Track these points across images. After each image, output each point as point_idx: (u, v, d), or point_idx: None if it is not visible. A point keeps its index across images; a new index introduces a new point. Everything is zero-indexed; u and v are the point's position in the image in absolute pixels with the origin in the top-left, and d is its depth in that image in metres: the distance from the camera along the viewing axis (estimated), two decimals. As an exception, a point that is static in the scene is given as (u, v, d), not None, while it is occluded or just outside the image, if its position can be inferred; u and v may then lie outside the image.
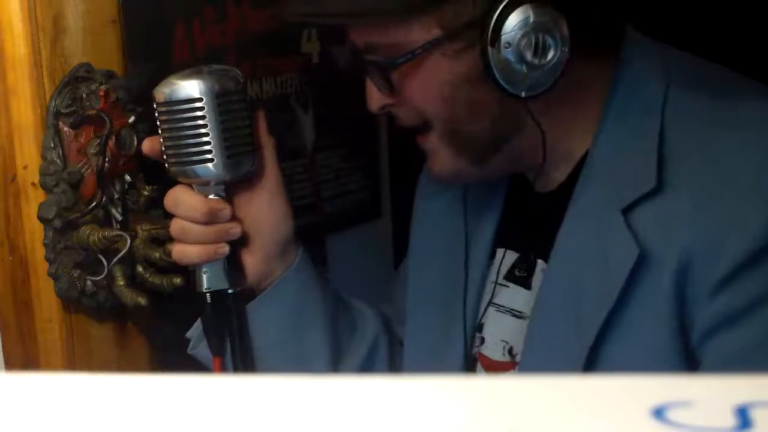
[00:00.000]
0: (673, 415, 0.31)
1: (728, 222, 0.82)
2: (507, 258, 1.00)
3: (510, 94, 0.86)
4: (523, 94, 0.86)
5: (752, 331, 0.82)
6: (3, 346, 1.14)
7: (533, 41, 0.83)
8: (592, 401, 0.33)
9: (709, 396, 0.33)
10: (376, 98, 0.94)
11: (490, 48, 0.84)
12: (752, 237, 0.81)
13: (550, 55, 0.84)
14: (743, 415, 0.31)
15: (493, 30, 0.84)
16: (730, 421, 0.31)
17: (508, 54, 0.84)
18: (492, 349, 1.00)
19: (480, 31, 0.85)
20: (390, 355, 1.11)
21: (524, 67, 0.84)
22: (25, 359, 1.13)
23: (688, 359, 0.84)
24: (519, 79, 0.85)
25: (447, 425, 0.32)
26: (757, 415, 0.31)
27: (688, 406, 0.32)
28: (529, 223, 1.00)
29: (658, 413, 0.31)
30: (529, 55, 0.83)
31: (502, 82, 0.85)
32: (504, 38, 0.84)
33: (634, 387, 0.34)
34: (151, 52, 1.21)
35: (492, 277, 1.01)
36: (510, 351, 0.98)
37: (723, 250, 0.81)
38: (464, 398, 0.34)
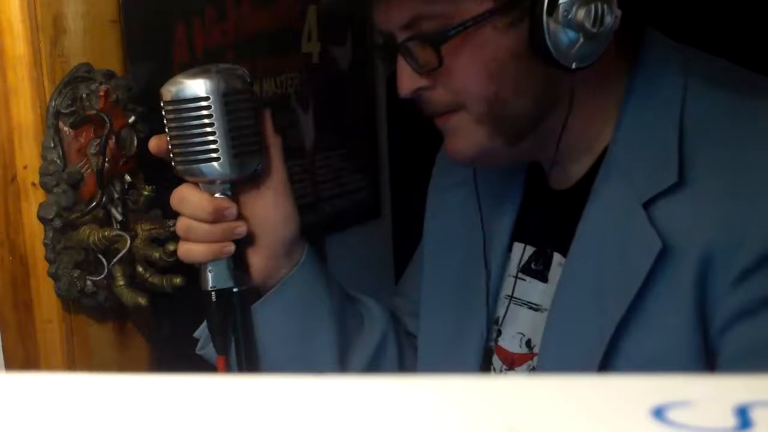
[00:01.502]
0: (673, 415, 0.31)
1: (749, 215, 0.82)
2: (524, 252, 1.01)
3: (560, 66, 0.86)
4: (573, 66, 0.86)
5: None
6: (3, 346, 1.14)
7: (593, 9, 0.84)
8: (592, 401, 0.33)
9: (709, 396, 0.33)
10: (408, 82, 0.92)
11: (546, 17, 0.84)
12: None
13: (607, 21, 0.84)
14: (743, 415, 0.31)
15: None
16: (730, 421, 0.31)
17: (566, 23, 0.84)
18: (509, 342, 1.00)
19: (533, 1, 0.84)
20: (399, 350, 1.11)
21: (581, 36, 0.84)
22: (25, 359, 1.13)
23: (708, 353, 0.85)
24: (571, 51, 0.85)
25: (447, 425, 0.32)
26: (757, 415, 0.31)
27: (688, 406, 0.32)
28: (546, 217, 1.00)
29: (658, 413, 0.31)
30: (588, 23, 0.84)
31: (554, 53, 0.85)
32: (563, 6, 0.84)
33: (634, 387, 0.34)
34: (151, 52, 1.21)
35: (509, 270, 1.02)
36: (528, 343, 0.99)
37: (744, 243, 0.82)
38: (464, 398, 0.34)
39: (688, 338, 0.84)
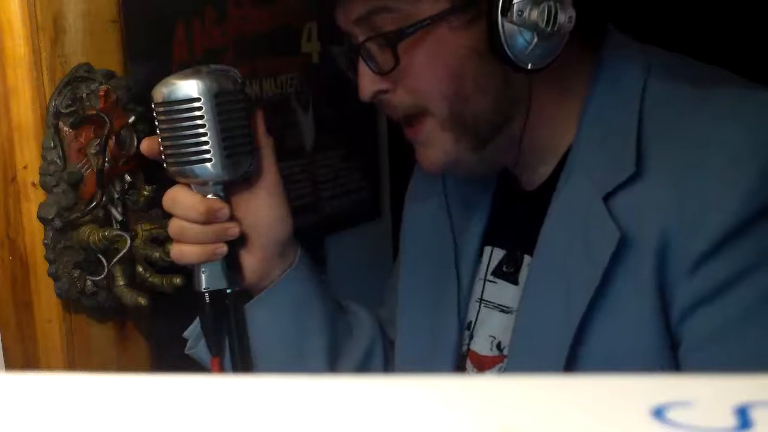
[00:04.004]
0: (673, 415, 0.31)
1: (705, 200, 0.83)
2: (495, 255, 1.01)
3: (516, 67, 0.86)
4: (529, 66, 0.86)
5: (728, 309, 0.83)
6: (3, 346, 1.14)
7: (546, 9, 0.84)
8: (591, 401, 0.33)
9: (709, 396, 0.33)
10: (369, 84, 0.92)
11: (501, 17, 0.84)
12: (728, 214, 0.82)
13: (560, 21, 0.85)
14: (743, 415, 0.31)
15: None
16: (730, 421, 0.31)
17: (520, 23, 0.84)
18: (481, 345, 1.01)
19: (488, 1, 0.84)
20: (385, 360, 1.11)
21: (535, 36, 0.84)
22: (25, 359, 1.13)
23: (672, 340, 0.85)
24: (526, 51, 0.85)
25: (443, 425, 0.32)
26: (757, 415, 0.31)
27: (688, 406, 0.32)
28: (515, 219, 1.01)
29: (658, 413, 0.31)
30: (542, 23, 0.84)
31: (509, 54, 0.85)
32: (517, 6, 0.84)
33: (634, 387, 0.34)
34: (151, 52, 1.21)
35: (480, 274, 1.02)
36: (498, 345, 0.99)
37: (700, 229, 0.82)
38: (462, 398, 0.34)
39: (652, 326, 0.85)
